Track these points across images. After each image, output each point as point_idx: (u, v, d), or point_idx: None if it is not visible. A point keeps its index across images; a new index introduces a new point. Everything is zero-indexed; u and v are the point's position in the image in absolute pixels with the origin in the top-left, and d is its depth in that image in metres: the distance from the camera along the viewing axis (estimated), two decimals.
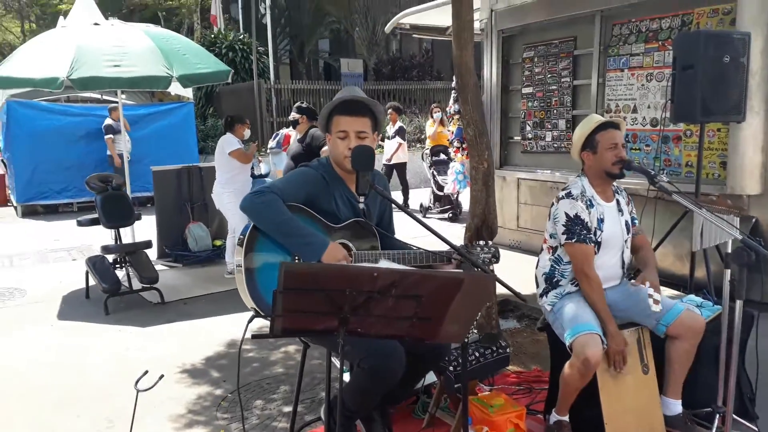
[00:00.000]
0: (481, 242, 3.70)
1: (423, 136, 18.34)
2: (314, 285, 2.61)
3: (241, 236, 3.46)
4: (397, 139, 13.45)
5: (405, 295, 2.67)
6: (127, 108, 15.10)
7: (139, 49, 7.98)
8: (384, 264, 3.40)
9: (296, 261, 3.44)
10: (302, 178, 3.60)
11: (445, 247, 3.40)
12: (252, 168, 9.11)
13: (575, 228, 4.07)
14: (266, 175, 10.75)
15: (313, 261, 3.38)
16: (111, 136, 14.26)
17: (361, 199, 3.47)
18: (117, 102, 12.97)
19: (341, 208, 3.64)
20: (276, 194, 3.44)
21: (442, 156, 13.16)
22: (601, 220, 4.12)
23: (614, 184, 4.28)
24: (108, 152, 14.41)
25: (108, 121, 14.39)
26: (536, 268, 4.32)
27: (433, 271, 2.83)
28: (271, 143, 12.97)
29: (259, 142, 16.22)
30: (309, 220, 3.54)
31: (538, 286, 4.28)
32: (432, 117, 13.58)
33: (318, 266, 2.92)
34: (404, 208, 3.21)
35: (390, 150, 13.52)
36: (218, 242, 9.84)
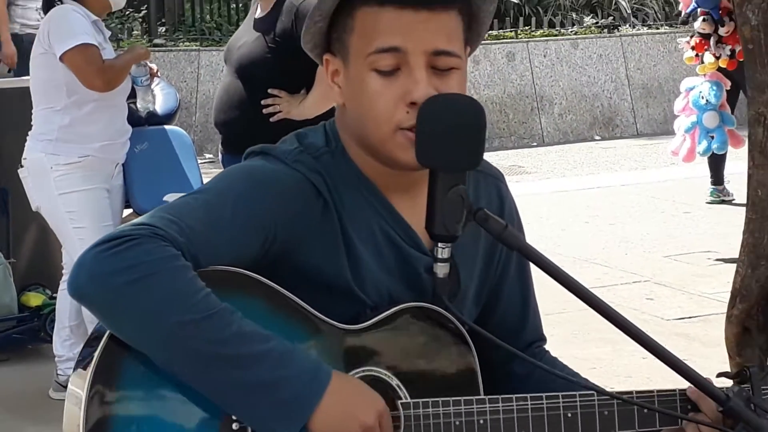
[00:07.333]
0: None
1: None
2: None
3: (81, 358, 1.37)
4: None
5: None
6: None
7: None
8: None
9: None
10: (256, 196, 1.39)
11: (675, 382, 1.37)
12: (133, 94, 4.14)
13: None
14: (170, 117, 4.53)
15: None
16: None
17: (443, 251, 1.41)
18: None
19: (371, 273, 1.44)
20: (179, 246, 1.30)
21: None
22: None
23: None
24: None
25: None
26: None
27: None
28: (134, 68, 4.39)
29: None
30: (269, 316, 1.35)
31: None
32: None
33: None
34: (570, 280, 1.25)
35: None
36: (34, 299, 4.61)
